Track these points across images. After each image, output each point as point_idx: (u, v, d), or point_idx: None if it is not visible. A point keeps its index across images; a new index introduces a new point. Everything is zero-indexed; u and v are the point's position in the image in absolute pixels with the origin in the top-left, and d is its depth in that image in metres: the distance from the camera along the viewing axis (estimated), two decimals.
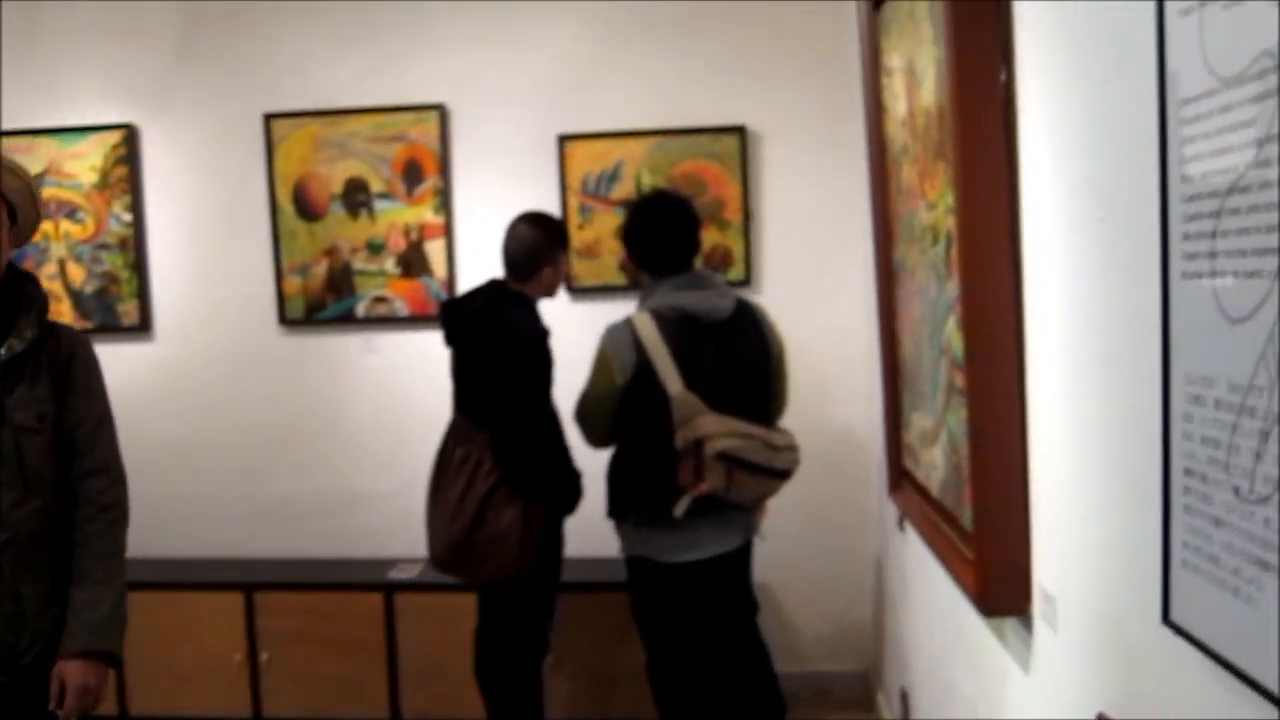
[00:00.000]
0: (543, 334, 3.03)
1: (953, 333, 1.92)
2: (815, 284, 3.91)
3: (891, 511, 3.14)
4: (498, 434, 2.97)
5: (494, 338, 3.01)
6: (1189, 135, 1.03)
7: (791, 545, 3.83)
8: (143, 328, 4.16)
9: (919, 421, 2.38)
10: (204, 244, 4.15)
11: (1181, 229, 1.06)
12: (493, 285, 3.12)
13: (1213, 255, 0.99)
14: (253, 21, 4.05)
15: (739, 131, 3.85)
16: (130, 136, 4.09)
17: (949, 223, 1.90)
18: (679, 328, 2.85)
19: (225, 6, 4.06)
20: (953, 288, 1.90)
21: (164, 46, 4.09)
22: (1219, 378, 0.99)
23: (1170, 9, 1.06)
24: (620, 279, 3.89)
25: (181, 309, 4.18)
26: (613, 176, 3.89)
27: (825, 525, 3.95)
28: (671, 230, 2.96)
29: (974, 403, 1.76)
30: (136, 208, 4.12)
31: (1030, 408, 1.70)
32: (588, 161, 3.89)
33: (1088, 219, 1.40)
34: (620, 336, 2.89)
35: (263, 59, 4.06)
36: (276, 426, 4.16)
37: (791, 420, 3.09)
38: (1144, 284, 1.17)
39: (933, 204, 2.06)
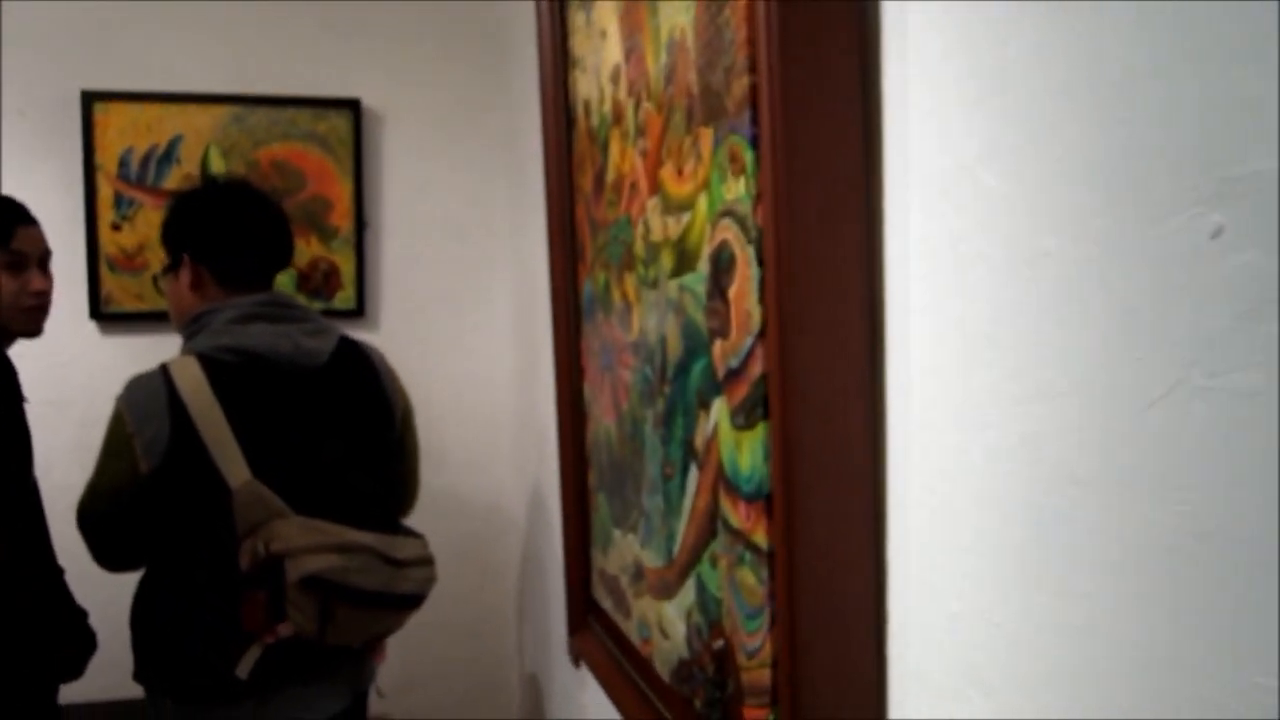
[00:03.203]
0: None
1: (723, 428, 1.06)
2: (452, 317, 2.96)
3: (559, 632, 2.25)
4: None
5: None
6: None
7: (418, 659, 2.84)
8: None
9: (630, 551, 1.50)
10: None
11: None
12: None
13: None
14: None
15: (352, 107, 2.84)
16: None
17: (725, 234, 1.03)
18: (246, 381, 1.82)
19: None
20: (725, 350, 1.04)
21: None
22: None
23: None
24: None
25: None
26: (166, 156, 2.74)
27: (460, 633, 2.99)
28: (246, 223, 1.93)
29: (787, 574, 0.89)
30: None
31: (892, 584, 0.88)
32: (129, 134, 2.72)
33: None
34: (148, 395, 1.80)
35: None
36: None
37: (424, 512, 2.12)
38: None
39: (681, 203, 1.19)
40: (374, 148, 2.89)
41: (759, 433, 0.95)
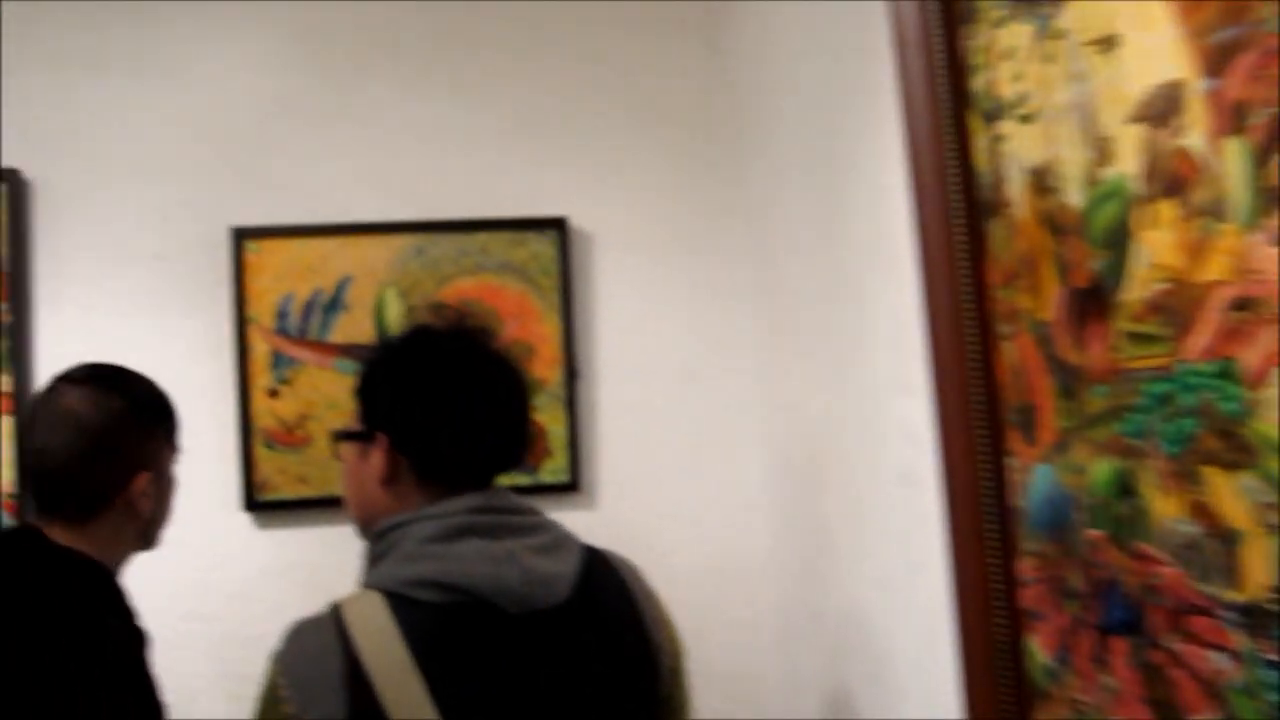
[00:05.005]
0: (126, 644, 1.32)
1: None
2: (689, 487, 2.29)
3: None
4: None
5: (15, 672, 1.25)
6: None
7: None
8: None
9: None
10: None
11: None
12: (11, 539, 1.38)
13: None
14: None
15: (556, 226, 2.25)
16: None
17: None
18: (455, 634, 1.19)
19: None
20: None
21: None
22: None
23: None
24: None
25: None
26: (333, 303, 2.20)
27: None
28: (473, 400, 1.30)
29: None
30: None
31: None
32: (287, 277, 2.19)
33: None
34: (315, 662, 1.18)
35: None
36: None
37: None
38: None
39: None
40: (583, 276, 2.29)
41: None
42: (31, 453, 1.38)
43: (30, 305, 2.17)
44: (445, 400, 1.28)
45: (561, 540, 1.31)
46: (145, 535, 1.45)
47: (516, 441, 1.35)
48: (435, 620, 1.18)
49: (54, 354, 2.13)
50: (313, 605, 2.13)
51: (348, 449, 1.36)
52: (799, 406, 2.04)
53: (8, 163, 2.17)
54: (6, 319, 2.14)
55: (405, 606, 1.18)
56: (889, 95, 1.41)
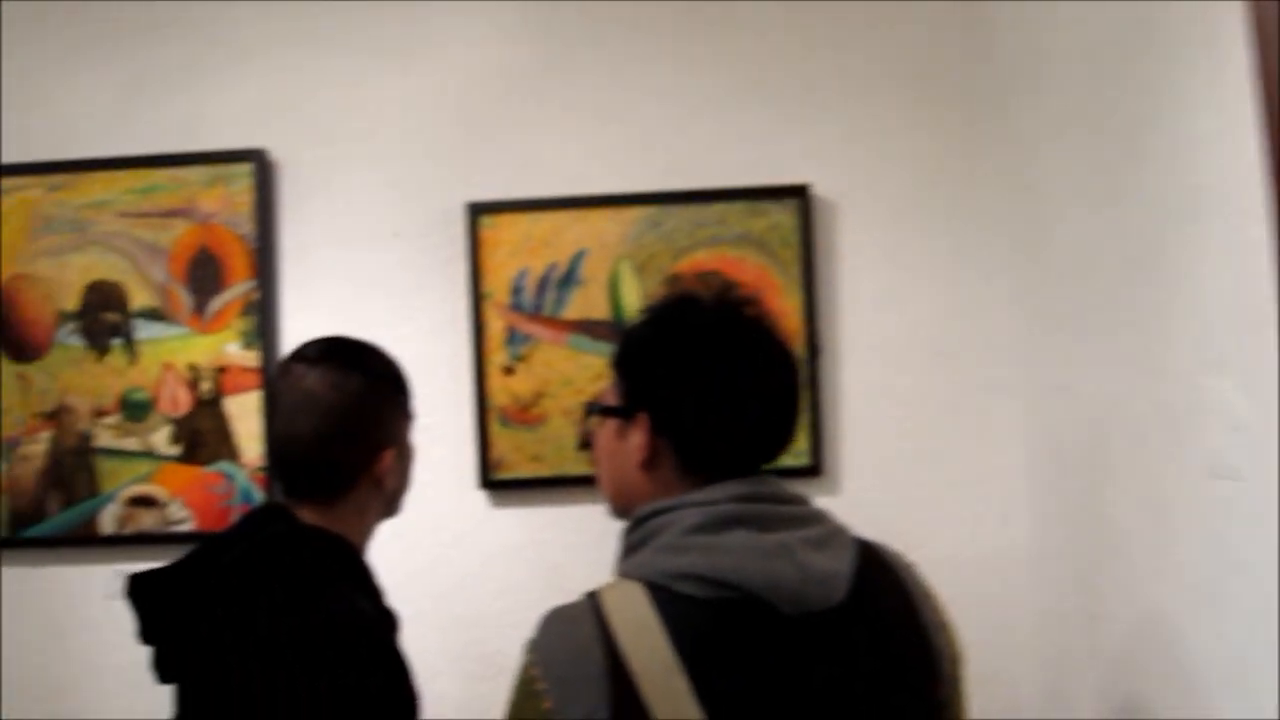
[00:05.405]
0: (376, 624, 1.28)
1: None
2: (938, 472, 2.13)
3: None
4: None
5: (267, 652, 1.24)
6: None
7: None
8: None
9: None
10: None
11: None
12: (263, 519, 1.36)
13: None
14: None
15: (798, 195, 2.12)
16: None
17: None
18: (725, 633, 1.09)
19: None
20: None
21: None
22: None
23: None
24: (582, 466, 2.10)
25: None
26: (567, 277, 2.14)
27: None
28: (743, 382, 1.18)
29: None
30: None
31: None
32: (522, 252, 2.15)
33: None
34: (575, 655, 1.10)
35: None
36: None
37: None
38: None
39: None
40: (826, 247, 2.15)
41: None
42: (275, 439, 1.37)
43: (276, 283, 2.21)
44: (717, 381, 1.17)
45: (835, 533, 1.19)
46: (389, 506, 1.43)
47: (786, 428, 1.23)
48: (701, 616, 1.08)
49: (298, 331, 2.16)
50: (542, 586, 2.11)
51: (604, 428, 1.28)
52: (1071, 388, 1.84)
53: (254, 143, 2.22)
54: (254, 296, 2.18)
55: (668, 600, 1.09)
56: (1214, 36, 1.21)
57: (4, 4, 2.26)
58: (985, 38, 2.15)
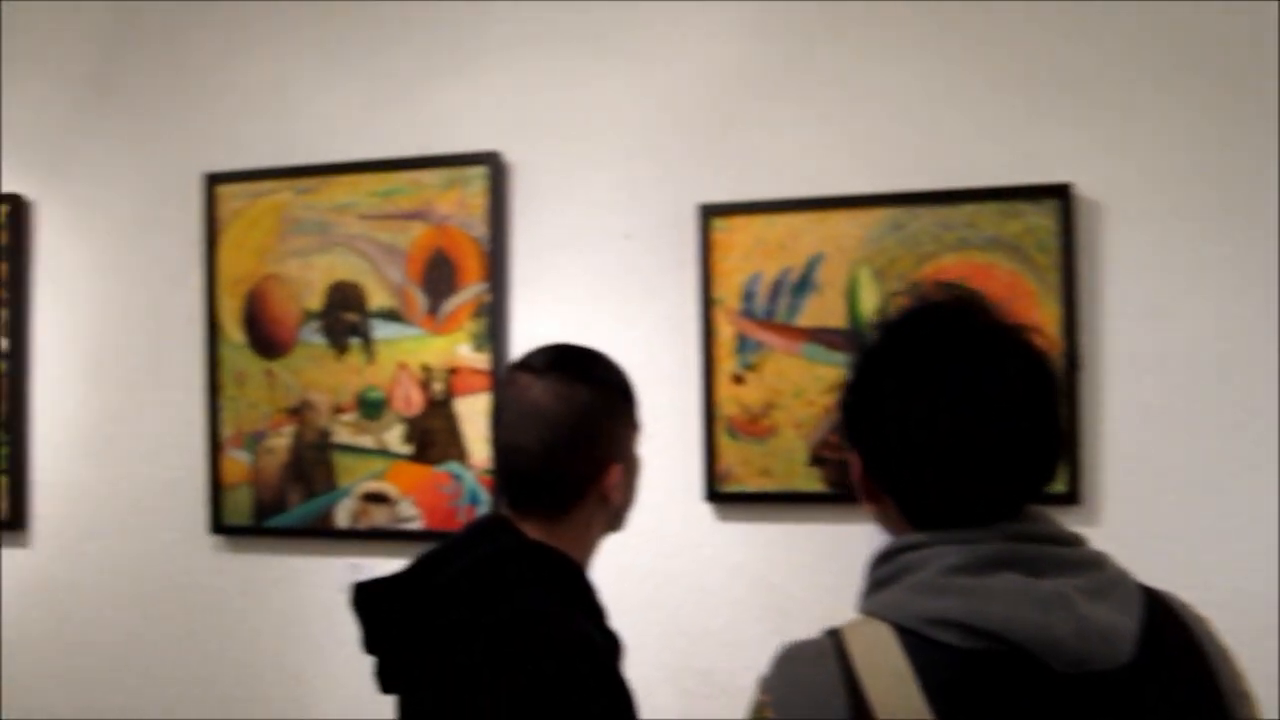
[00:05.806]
0: (600, 649, 1.22)
1: None
2: (1208, 502, 1.91)
3: None
4: None
5: (490, 669, 1.20)
6: None
7: None
8: (13, 523, 2.49)
9: None
10: (107, 390, 2.49)
11: None
12: (489, 532, 1.31)
13: None
14: (199, 36, 2.44)
15: (1058, 195, 1.95)
16: (16, 213, 2.51)
17: None
18: (990, 691, 0.96)
19: (161, 6, 2.47)
20: None
21: (68, 85, 2.53)
22: None
23: None
24: (813, 482, 2.00)
25: (72, 497, 2.50)
26: (802, 283, 2.04)
27: None
28: (968, 426, 1.02)
29: None
30: (16, 328, 2.50)
31: None
32: (755, 256, 2.06)
33: None
34: (813, 691, 0.99)
35: (210, 87, 2.43)
36: (202, 693, 2.38)
37: None
38: None
39: None
40: (1089, 252, 1.96)
41: None
42: (501, 450, 1.33)
43: (507, 286, 2.21)
44: (939, 430, 1.02)
45: (1117, 580, 1.04)
46: (614, 521, 1.37)
47: (1043, 470, 1.08)
48: (960, 669, 0.96)
49: (528, 334, 2.15)
50: (762, 605, 2.02)
51: (849, 454, 1.17)
52: None
53: (489, 146, 2.22)
54: (486, 299, 2.19)
55: (922, 646, 0.97)
56: None
57: (264, 15, 2.36)
58: (1272, 24, 1.91)
